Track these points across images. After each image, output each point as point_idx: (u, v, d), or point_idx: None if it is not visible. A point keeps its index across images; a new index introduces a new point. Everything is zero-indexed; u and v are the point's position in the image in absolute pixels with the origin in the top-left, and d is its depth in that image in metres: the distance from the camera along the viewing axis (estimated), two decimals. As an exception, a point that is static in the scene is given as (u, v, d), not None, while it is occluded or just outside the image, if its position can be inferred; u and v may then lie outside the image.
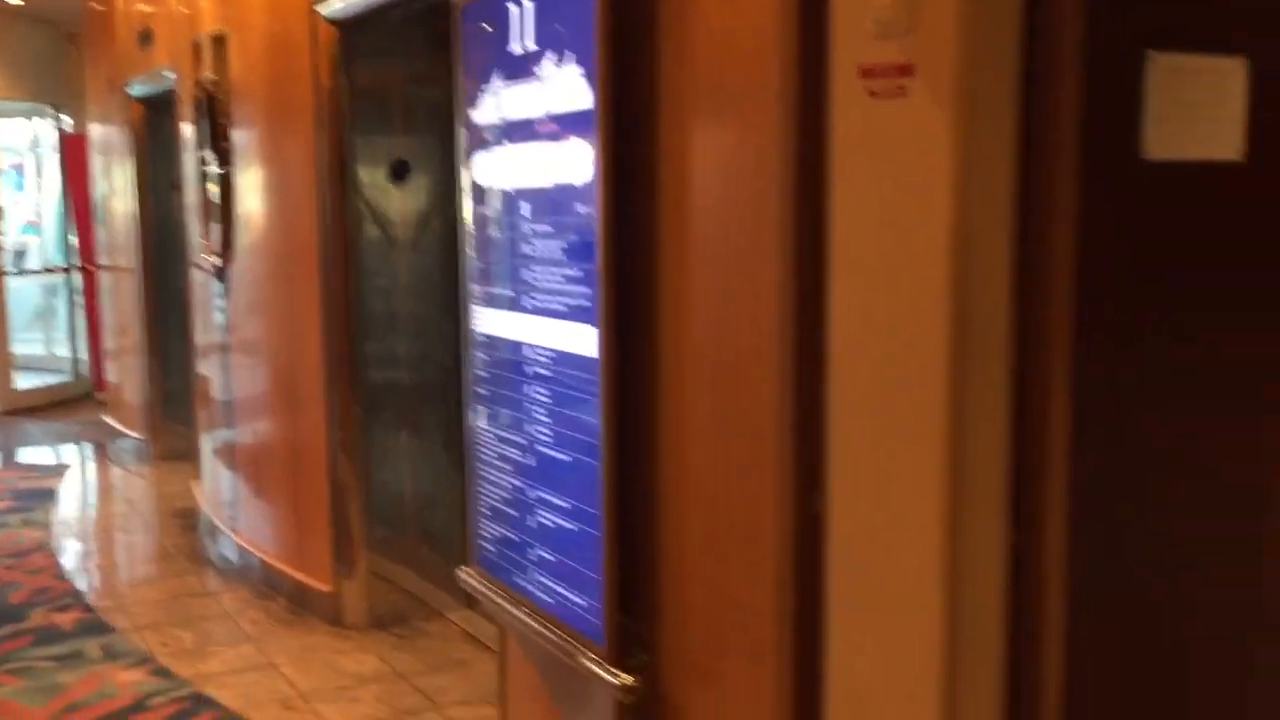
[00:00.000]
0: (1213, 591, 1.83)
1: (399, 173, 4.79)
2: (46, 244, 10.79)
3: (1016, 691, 1.68)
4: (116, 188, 7.67)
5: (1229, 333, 1.79)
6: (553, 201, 2.43)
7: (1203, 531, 1.81)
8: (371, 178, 4.74)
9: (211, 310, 5.37)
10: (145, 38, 6.61)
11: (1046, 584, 1.66)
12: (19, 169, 11.32)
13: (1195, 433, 1.78)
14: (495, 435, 2.74)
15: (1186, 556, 1.80)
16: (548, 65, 2.37)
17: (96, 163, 8.26)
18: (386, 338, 4.90)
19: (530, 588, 2.60)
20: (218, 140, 4.98)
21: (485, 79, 2.62)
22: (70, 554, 5.43)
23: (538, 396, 2.54)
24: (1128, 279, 1.70)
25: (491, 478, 2.77)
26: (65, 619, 4.45)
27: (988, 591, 1.64)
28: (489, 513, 2.80)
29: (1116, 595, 1.74)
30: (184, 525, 5.82)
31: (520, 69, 2.47)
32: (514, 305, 2.61)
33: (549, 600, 2.53)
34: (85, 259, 8.92)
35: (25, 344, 9.85)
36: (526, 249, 2.54)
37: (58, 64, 9.37)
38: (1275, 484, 1.85)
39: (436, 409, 4.84)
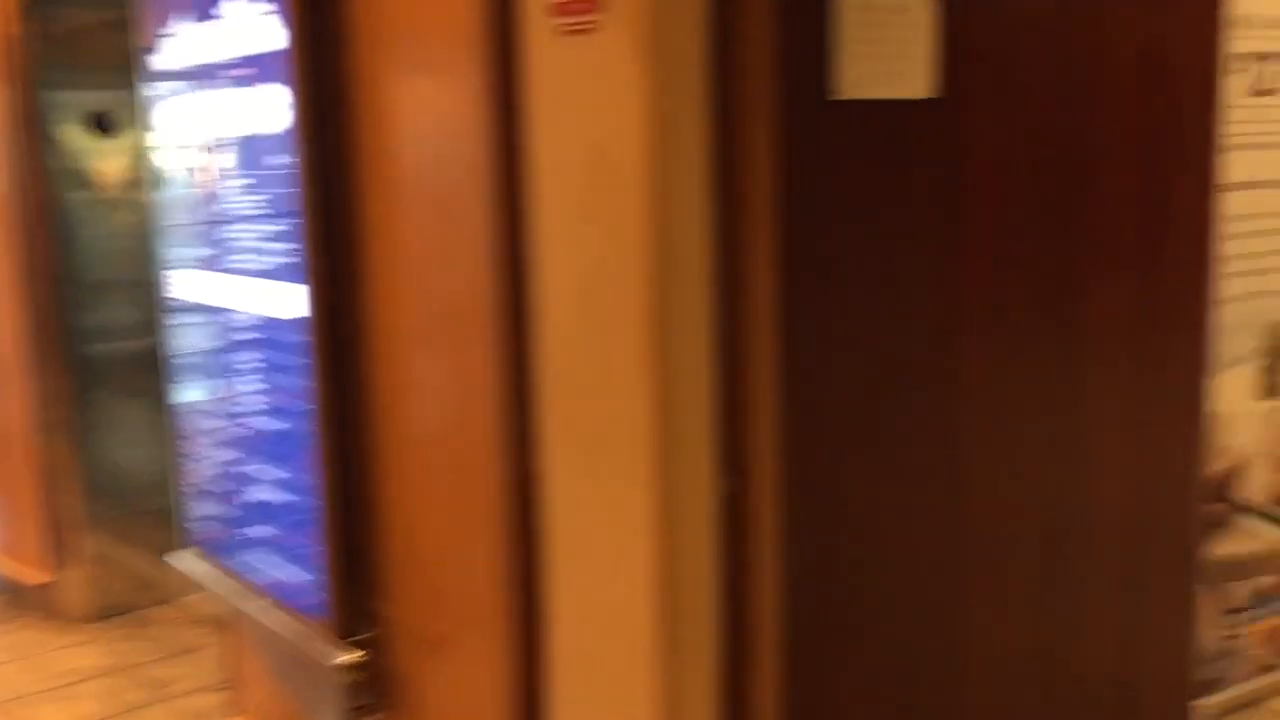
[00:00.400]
0: (921, 523, 1.88)
1: (103, 127, 4.41)
2: None
3: (735, 637, 1.67)
4: None
5: (925, 268, 1.83)
6: (250, 152, 2.26)
7: (909, 464, 1.85)
8: (74, 134, 4.35)
9: (-103, 284, 4.83)
10: None
11: (760, 528, 1.65)
12: None
13: (898, 366, 1.81)
14: (206, 407, 2.56)
15: (896, 492, 1.84)
16: (232, 3, 2.19)
17: None
18: (103, 306, 4.54)
19: (250, 567, 2.45)
20: (-111, 94, 4.45)
21: (169, 19, 2.41)
22: None
23: (248, 363, 2.38)
24: (828, 219, 1.70)
25: (204, 453, 2.59)
26: None
27: (701, 539, 1.62)
28: (203, 490, 2.62)
29: (831, 535, 1.75)
30: (-118, 522, 5.26)
31: (204, 7, 2.27)
32: (217, 266, 2.42)
33: (271, 578, 2.38)
34: None
35: None
36: (226, 205, 2.36)
37: None
38: (972, 410, 1.91)
39: (164, 379, 4.53)
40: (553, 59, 1.61)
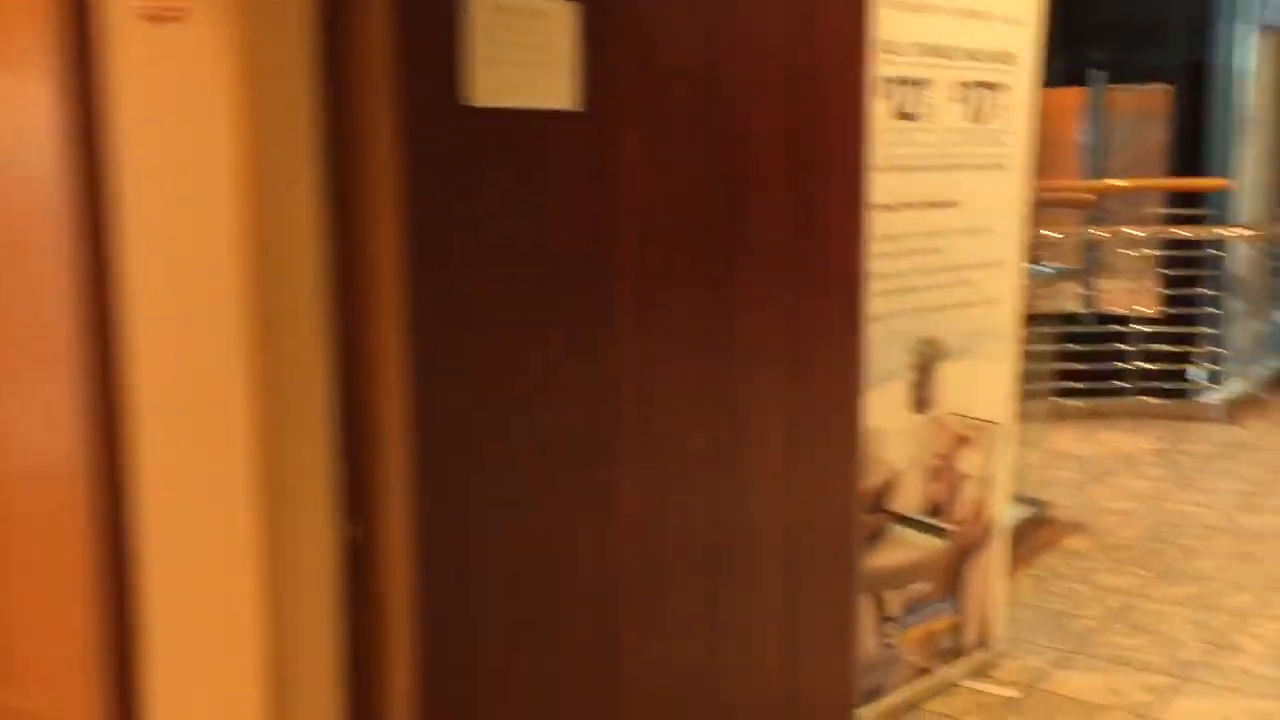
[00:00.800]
0: (572, 555, 1.78)
1: None
2: None
3: (364, 703, 1.50)
4: None
5: (571, 286, 1.73)
6: None
7: (557, 495, 1.74)
8: None
9: None
10: None
11: (390, 577, 1.50)
12: None
13: (544, 390, 1.71)
14: None
15: (543, 525, 1.73)
16: None
17: None
18: None
19: None
20: None
21: None
22: None
23: None
24: (464, 234, 1.57)
25: None
26: None
27: (319, 594, 1.44)
28: None
29: (471, 579, 1.62)
30: None
31: None
32: None
33: None
34: None
35: None
36: None
37: None
38: (625, 433, 1.83)
39: None
40: (137, 49, 1.39)
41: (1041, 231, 5.84)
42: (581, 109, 1.70)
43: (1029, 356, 4.67)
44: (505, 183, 1.61)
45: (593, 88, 1.71)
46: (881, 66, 2.58)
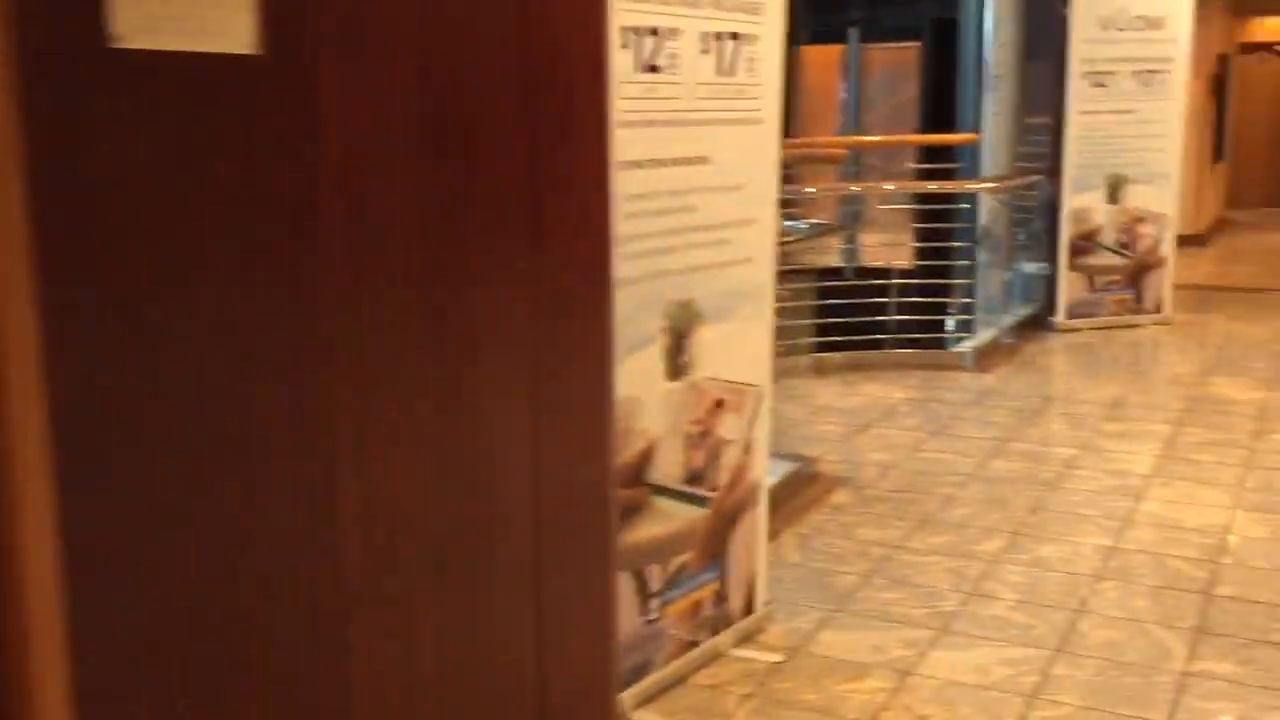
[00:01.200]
0: (280, 563, 1.57)
1: None
2: None
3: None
4: None
5: (263, 260, 1.50)
6: None
7: (251, 491, 1.52)
8: None
9: None
10: None
11: (20, 606, 1.25)
12: None
13: (224, 375, 1.48)
14: None
15: (238, 528, 1.51)
16: None
17: None
18: None
19: None
20: None
21: None
22: None
23: None
24: (111, 199, 1.32)
25: None
26: None
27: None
28: None
29: (146, 600, 1.39)
30: None
31: None
32: None
33: None
34: None
35: None
36: None
37: None
38: (339, 430, 1.62)
39: None
40: None
41: (803, 188, 5.89)
42: (265, 53, 1.47)
43: (789, 312, 4.68)
44: (166, 137, 1.36)
45: (280, 28, 1.48)
46: (622, 15, 2.42)
